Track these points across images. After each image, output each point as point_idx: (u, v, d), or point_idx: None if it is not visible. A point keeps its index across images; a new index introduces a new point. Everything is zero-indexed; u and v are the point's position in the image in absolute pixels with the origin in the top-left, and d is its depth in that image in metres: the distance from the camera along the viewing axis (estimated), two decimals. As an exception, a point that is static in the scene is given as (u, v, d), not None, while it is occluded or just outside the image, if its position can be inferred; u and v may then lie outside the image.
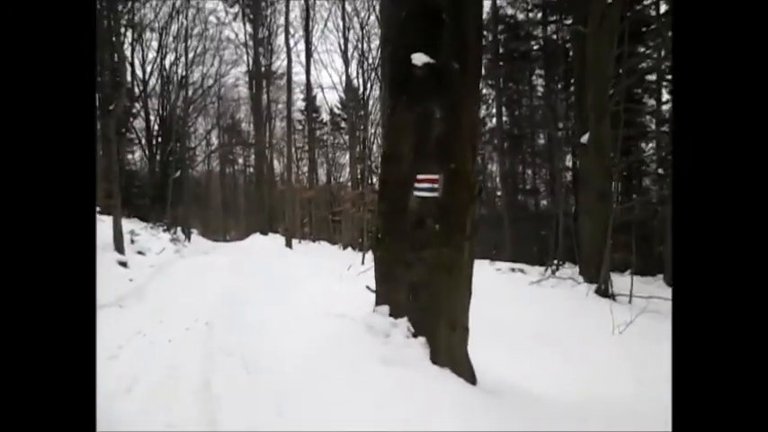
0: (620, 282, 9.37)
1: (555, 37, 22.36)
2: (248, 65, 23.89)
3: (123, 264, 11.11)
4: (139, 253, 12.76)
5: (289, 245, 14.94)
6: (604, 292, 8.97)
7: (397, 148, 3.38)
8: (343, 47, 26.94)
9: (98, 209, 15.34)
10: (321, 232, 24.42)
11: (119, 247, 11.57)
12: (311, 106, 25.66)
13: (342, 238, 17.30)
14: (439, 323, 3.25)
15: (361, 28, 24.08)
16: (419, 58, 3.21)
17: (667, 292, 10.51)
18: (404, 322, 3.28)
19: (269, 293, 5.67)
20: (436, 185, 3.26)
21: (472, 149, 3.35)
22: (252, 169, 23.90)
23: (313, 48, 24.13)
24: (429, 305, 3.25)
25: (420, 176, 3.28)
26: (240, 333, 5.10)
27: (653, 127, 18.56)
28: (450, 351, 3.25)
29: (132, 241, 12.95)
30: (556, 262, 14.52)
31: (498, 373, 3.67)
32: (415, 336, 3.24)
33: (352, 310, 4.59)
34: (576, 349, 5.00)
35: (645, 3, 15.63)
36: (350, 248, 16.69)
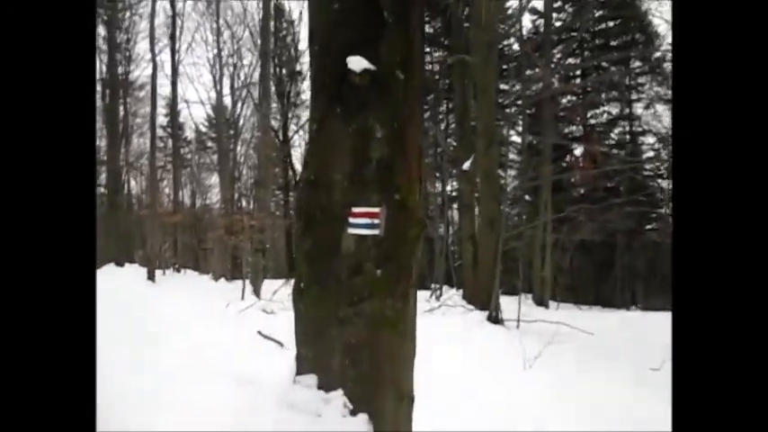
0: (503, 304, 9.48)
1: (431, 67, 23.13)
2: (101, 72, 21.24)
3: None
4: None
5: (151, 277, 13.07)
6: (495, 318, 8.99)
7: (325, 171, 2.70)
8: (212, 61, 25.37)
9: None
10: (187, 261, 22.24)
11: None
12: (175, 122, 23.52)
13: (212, 268, 15.68)
14: (384, 393, 2.60)
15: (234, 41, 22.78)
16: (357, 63, 2.58)
17: (542, 313, 11.02)
18: (339, 396, 2.56)
19: (134, 349, 4.49)
20: (377, 221, 2.64)
21: (419, 177, 2.78)
22: (104, 189, 21.06)
23: (179, 59, 22.24)
24: (371, 372, 2.59)
25: (356, 210, 2.64)
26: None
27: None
28: (397, 428, 2.60)
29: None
30: (437, 286, 14.62)
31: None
32: (353, 413, 2.54)
33: (253, 372, 3.72)
34: (499, 392, 4.63)
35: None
36: (222, 279, 15.14)
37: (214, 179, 31.31)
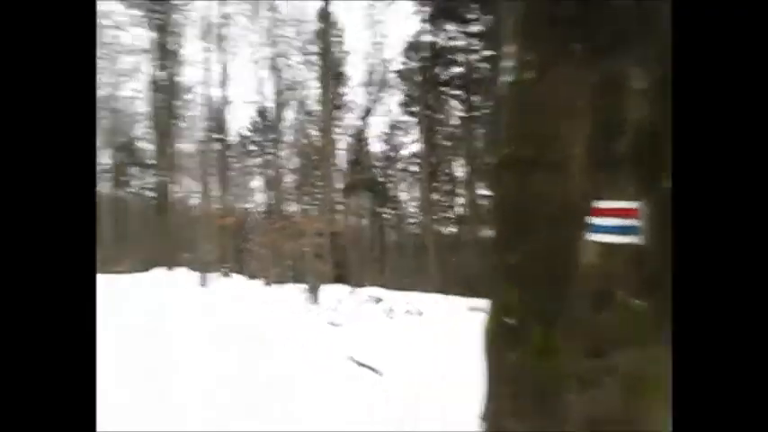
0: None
1: (478, 65, 22.05)
2: (154, 73, 20.97)
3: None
4: None
5: (204, 282, 12.36)
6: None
7: (548, 145, 1.73)
8: (258, 63, 24.91)
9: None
10: (234, 264, 21.58)
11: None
12: (223, 125, 23.08)
13: (264, 272, 14.94)
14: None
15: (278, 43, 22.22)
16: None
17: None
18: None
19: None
20: (635, 222, 1.67)
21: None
22: (152, 193, 20.82)
23: (225, 62, 21.81)
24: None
25: (601, 204, 1.68)
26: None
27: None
28: None
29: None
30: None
31: None
32: None
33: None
34: None
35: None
36: (274, 284, 14.36)
37: (256, 182, 31.00)
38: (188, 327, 6.85)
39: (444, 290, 15.16)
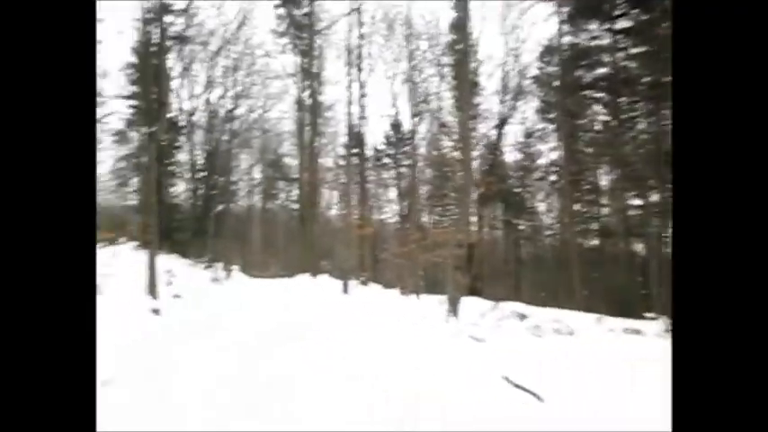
0: None
1: (626, 63, 20.15)
2: (298, 94, 22.47)
3: (156, 311, 9.18)
4: (176, 297, 10.87)
5: (346, 290, 12.77)
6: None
7: None
8: (392, 80, 25.56)
9: (136, 243, 13.78)
10: (371, 273, 22.11)
11: (152, 289, 9.68)
12: (361, 140, 23.96)
13: (401, 282, 15.03)
14: None
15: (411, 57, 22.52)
16: None
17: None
18: None
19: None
20: None
21: None
22: (295, 205, 22.26)
23: (362, 79, 22.66)
24: None
25: None
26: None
27: None
28: None
29: (169, 282, 11.12)
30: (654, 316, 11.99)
31: None
32: None
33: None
34: None
35: None
36: (414, 296, 14.37)
37: (390, 194, 31.64)
38: (338, 332, 6.95)
39: (590, 308, 13.89)
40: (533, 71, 25.15)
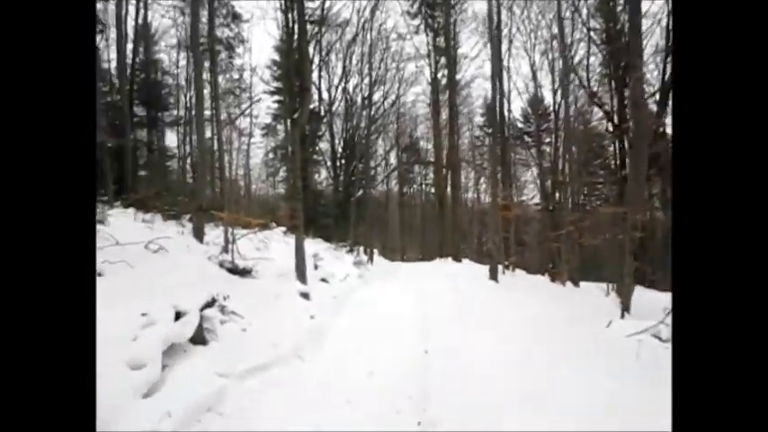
0: None
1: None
2: (433, 74, 21.61)
3: (305, 295, 9.08)
4: (323, 280, 10.80)
5: (494, 276, 11.74)
6: None
7: None
8: (531, 52, 23.51)
9: (284, 229, 14.21)
10: (517, 258, 20.65)
11: (301, 274, 9.63)
12: (503, 118, 22.43)
13: (560, 269, 13.51)
14: None
15: (560, 21, 20.29)
16: None
17: None
18: None
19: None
20: None
21: None
22: (432, 189, 21.68)
23: (501, 57, 21.03)
24: None
25: None
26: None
27: None
28: None
29: (316, 267, 11.11)
30: None
31: None
32: None
33: None
34: None
35: None
36: (569, 283, 12.84)
37: (529, 174, 29.52)
38: (501, 321, 6.06)
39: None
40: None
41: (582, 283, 13.21)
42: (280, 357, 5.89)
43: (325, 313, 8.58)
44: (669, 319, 7.42)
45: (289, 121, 13.71)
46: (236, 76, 23.12)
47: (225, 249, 9.40)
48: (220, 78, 19.51)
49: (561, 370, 4.66)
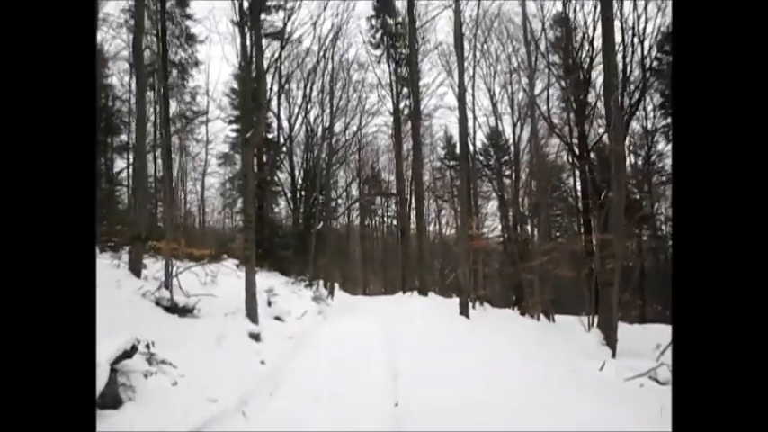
0: None
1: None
2: (395, 104, 21.09)
3: (255, 336, 7.87)
4: (277, 318, 9.59)
5: (465, 312, 10.65)
6: None
7: None
8: (491, 85, 23.51)
9: (236, 261, 12.96)
10: (485, 292, 19.79)
11: (252, 312, 8.41)
12: (465, 150, 22.08)
13: (531, 302, 12.64)
14: None
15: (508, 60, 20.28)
16: None
17: None
18: None
19: None
20: None
21: None
22: (394, 221, 20.89)
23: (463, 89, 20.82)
24: None
25: None
26: None
27: None
28: None
29: (269, 303, 9.91)
30: None
31: None
32: None
33: None
34: None
35: None
36: (543, 317, 11.99)
37: (488, 207, 29.19)
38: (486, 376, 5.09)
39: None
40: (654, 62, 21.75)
41: (557, 317, 12.49)
42: (217, 416, 4.74)
43: (279, 357, 7.41)
44: (665, 358, 6.65)
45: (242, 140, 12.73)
46: (188, 99, 21.88)
47: (165, 284, 8.14)
48: (172, 102, 18.31)
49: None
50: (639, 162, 24.97)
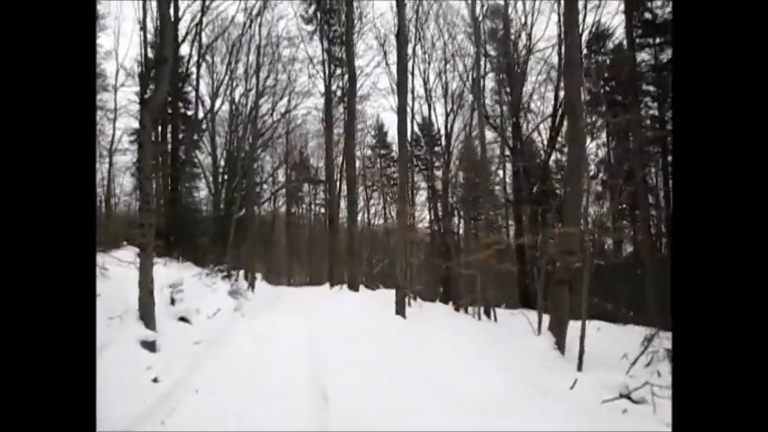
0: None
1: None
2: (327, 85, 19.53)
3: (149, 345, 6.19)
4: (182, 320, 7.90)
5: (401, 311, 9.36)
6: None
7: None
8: (425, 73, 22.63)
9: (136, 250, 10.97)
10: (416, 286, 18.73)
11: (147, 314, 6.68)
12: (403, 139, 20.98)
13: (462, 298, 11.75)
14: None
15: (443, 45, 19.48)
16: None
17: None
18: None
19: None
20: None
21: None
22: (322, 209, 19.43)
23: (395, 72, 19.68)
24: None
25: None
26: None
27: None
28: None
29: (173, 301, 8.18)
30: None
31: None
32: None
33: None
34: None
35: None
36: (483, 315, 11.12)
37: (417, 198, 28.50)
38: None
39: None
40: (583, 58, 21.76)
41: (493, 312, 11.70)
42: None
43: (178, 371, 5.83)
44: (653, 378, 5.77)
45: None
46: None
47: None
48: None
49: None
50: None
